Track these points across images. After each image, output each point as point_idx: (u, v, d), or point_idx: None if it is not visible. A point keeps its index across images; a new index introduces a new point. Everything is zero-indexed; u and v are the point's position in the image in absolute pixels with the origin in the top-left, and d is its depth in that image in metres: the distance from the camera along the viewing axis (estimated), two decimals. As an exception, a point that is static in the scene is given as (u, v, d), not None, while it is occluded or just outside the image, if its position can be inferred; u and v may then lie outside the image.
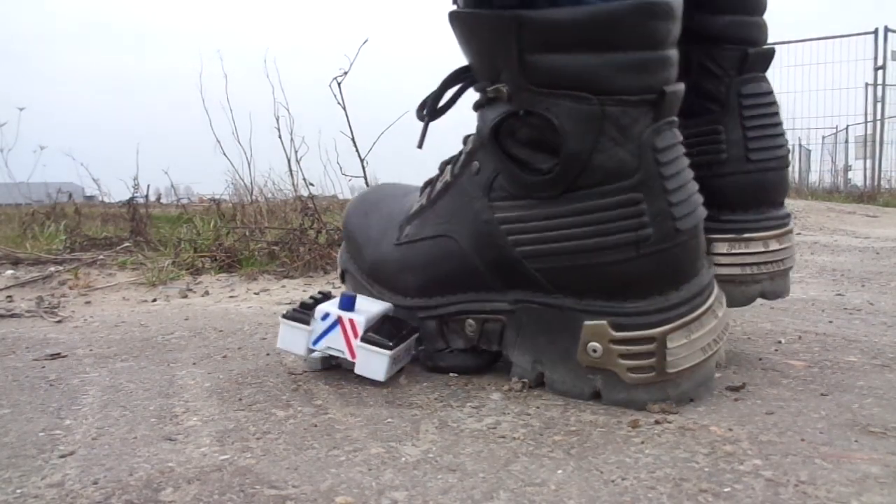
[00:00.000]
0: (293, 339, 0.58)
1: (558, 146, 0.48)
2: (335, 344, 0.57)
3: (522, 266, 0.52)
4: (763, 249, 0.63)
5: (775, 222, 0.64)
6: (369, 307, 0.59)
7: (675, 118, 0.49)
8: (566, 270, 0.50)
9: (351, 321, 0.56)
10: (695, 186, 0.51)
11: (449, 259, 0.57)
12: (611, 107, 0.46)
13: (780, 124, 0.64)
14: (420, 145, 0.59)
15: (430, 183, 0.62)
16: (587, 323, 0.50)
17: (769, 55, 0.62)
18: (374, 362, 0.55)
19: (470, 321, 0.57)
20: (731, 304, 0.59)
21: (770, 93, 0.63)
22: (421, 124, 0.58)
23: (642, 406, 0.50)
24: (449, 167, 0.59)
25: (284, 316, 0.58)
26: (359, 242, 0.67)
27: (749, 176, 0.62)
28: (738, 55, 0.60)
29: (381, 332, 0.56)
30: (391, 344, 0.55)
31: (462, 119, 0.61)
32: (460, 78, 0.57)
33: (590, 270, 0.49)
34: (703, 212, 0.51)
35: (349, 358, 0.56)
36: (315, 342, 0.57)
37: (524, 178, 0.51)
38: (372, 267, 0.64)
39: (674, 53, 0.48)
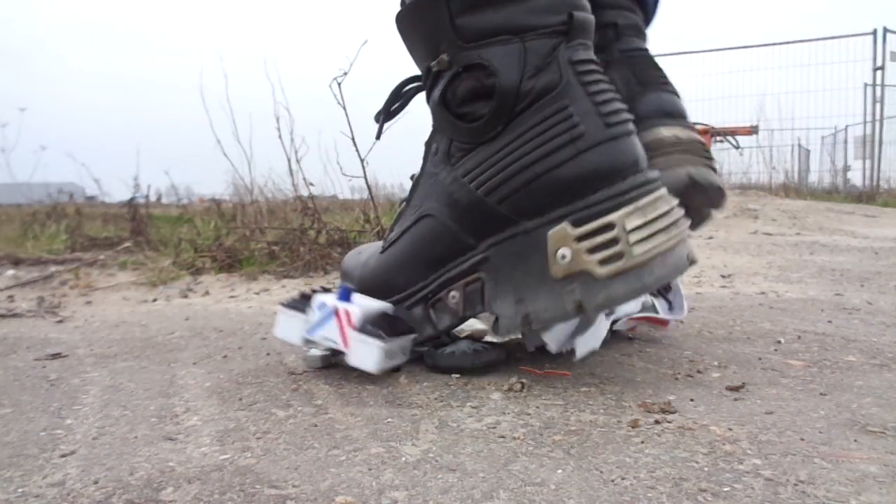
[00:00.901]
0: (289, 328, 0.59)
1: (492, 88, 0.55)
2: (330, 334, 0.57)
3: (486, 205, 0.56)
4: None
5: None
6: (368, 303, 0.59)
7: (589, 42, 0.57)
8: (522, 192, 0.54)
9: (346, 311, 0.57)
10: (617, 94, 0.56)
11: (429, 234, 0.60)
12: (531, 41, 0.54)
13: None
14: (378, 137, 0.67)
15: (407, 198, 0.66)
16: (550, 232, 0.53)
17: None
18: (366, 353, 0.56)
19: (453, 293, 0.59)
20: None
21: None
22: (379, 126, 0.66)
23: (622, 301, 0.52)
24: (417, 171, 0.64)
25: (282, 304, 0.59)
26: (349, 273, 0.68)
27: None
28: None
29: (377, 325, 0.57)
30: (385, 336, 0.55)
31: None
32: (408, 84, 0.64)
33: (541, 182, 0.54)
34: (630, 115, 0.56)
35: (343, 348, 0.57)
36: (311, 331, 0.58)
37: (472, 129, 0.57)
38: (360, 284, 0.65)
39: None
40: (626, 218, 0.51)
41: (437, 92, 0.59)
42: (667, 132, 0.70)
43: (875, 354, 0.66)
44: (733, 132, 6.35)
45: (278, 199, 2.25)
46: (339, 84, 1.53)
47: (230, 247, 1.49)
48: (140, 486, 0.38)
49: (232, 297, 1.17)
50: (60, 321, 0.94)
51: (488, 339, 0.65)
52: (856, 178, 6.66)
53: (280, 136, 1.83)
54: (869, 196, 5.36)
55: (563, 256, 0.52)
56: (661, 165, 0.66)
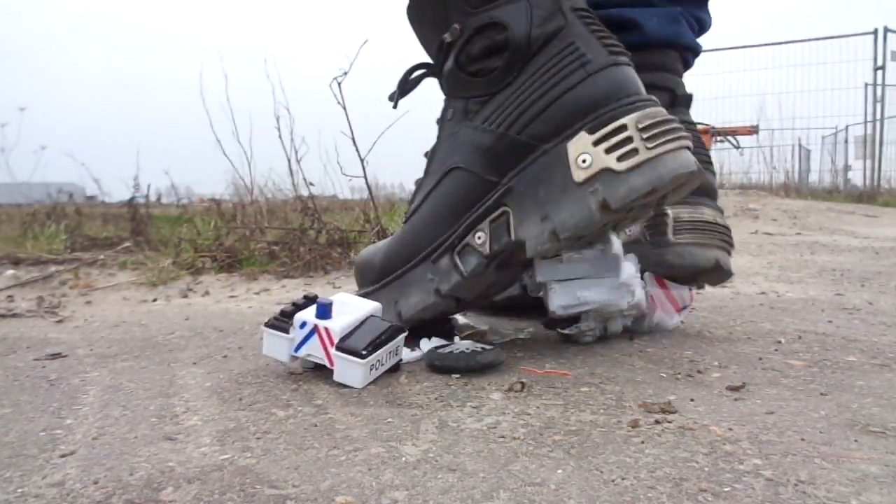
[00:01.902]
0: (275, 347, 0.59)
1: (504, 42, 0.62)
2: (314, 351, 0.58)
3: (508, 138, 0.62)
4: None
5: None
6: (348, 313, 0.59)
7: None
8: (541, 117, 0.61)
9: (326, 329, 0.57)
10: (612, 35, 0.63)
11: (455, 185, 0.65)
12: None
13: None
14: (395, 106, 0.72)
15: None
16: (570, 143, 0.59)
17: None
18: (350, 370, 0.56)
19: (478, 233, 0.62)
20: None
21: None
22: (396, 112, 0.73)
23: (644, 191, 0.56)
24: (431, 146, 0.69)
25: (266, 325, 0.59)
26: (367, 262, 0.72)
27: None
28: None
29: (358, 339, 0.56)
30: (364, 352, 0.55)
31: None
32: (416, 70, 0.70)
33: (557, 105, 0.60)
34: (627, 52, 0.62)
35: (328, 364, 0.57)
36: (296, 349, 0.58)
37: (487, 81, 0.63)
38: (384, 263, 0.69)
39: None
40: (638, 119, 0.58)
41: (450, 60, 0.65)
42: (709, 213, 0.76)
43: (876, 354, 0.66)
44: (734, 132, 6.34)
45: (278, 199, 2.25)
46: (339, 84, 1.53)
47: (230, 247, 1.49)
48: (140, 486, 0.38)
49: (232, 297, 1.17)
50: (60, 321, 0.94)
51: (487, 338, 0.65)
52: (856, 177, 6.67)
53: (280, 136, 1.83)
54: (869, 196, 5.36)
55: (584, 161, 0.58)
56: (697, 241, 0.74)
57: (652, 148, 0.57)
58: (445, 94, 0.68)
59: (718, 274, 0.75)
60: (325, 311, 0.57)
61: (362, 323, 0.59)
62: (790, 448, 0.42)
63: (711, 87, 6.38)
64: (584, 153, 0.58)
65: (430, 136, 0.69)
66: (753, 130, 6.41)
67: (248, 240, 1.56)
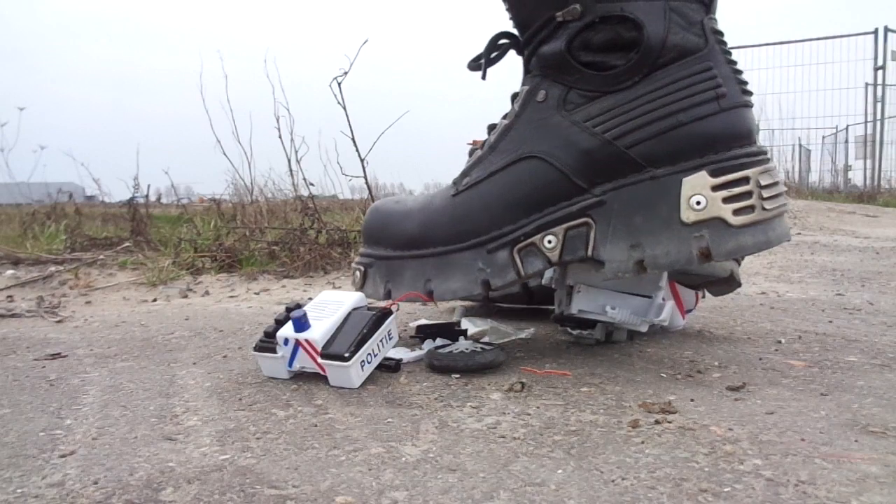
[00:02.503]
0: (272, 368, 0.59)
1: (632, 41, 0.57)
2: (306, 363, 0.58)
3: (614, 149, 0.57)
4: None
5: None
6: (329, 314, 0.59)
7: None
8: (658, 138, 0.56)
9: (307, 342, 0.57)
10: (741, 70, 0.59)
11: (531, 176, 0.60)
12: (673, 1, 0.56)
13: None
14: (483, 77, 0.65)
15: (480, 146, 0.65)
16: (686, 179, 0.55)
17: None
18: (340, 374, 0.56)
19: (549, 237, 0.59)
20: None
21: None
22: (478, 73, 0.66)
23: (749, 251, 0.55)
24: (503, 118, 0.63)
25: (255, 349, 0.59)
26: (395, 220, 0.66)
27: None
28: None
29: (341, 341, 0.56)
30: (348, 355, 0.55)
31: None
32: (501, 38, 0.64)
33: (680, 133, 0.56)
34: (752, 92, 0.59)
35: (321, 372, 0.57)
36: (290, 364, 0.58)
37: (602, 77, 0.58)
38: (420, 231, 0.64)
39: None
40: (760, 175, 0.55)
41: (559, 42, 0.58)
42: None
43: (876, 355, 0.66)
44: (734, 132, 6.33)
45: (278, 199, 2.24)
46: (339, 84, 1.53)
47: (230, 247, 1.49)
48: (140, 486, 0.38)
49: (232, 297, 1.17)
50: (60, 321, 0.94)
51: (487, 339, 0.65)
52: (857, 177, 6.66)
53: (280, 136, 1.83)
54: (870, 196, 5.36)
55: (699, 203, 0.55)
56: None
57: (770, 209, 0.55)
58: (537, 73, 0.61)
59: (730, 284, 0.74)
60: (301, 324, 0.57)
61: (345, 320, 0.59)
62: (790, 448, 0.42)
63: (711, 87, 6.37)
64: (701, 195, 0.55)
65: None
66: (753, 130, 6.40)
67: (248, 240, 1.56)
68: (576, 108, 0.58)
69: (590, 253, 0.58)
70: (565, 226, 0.58)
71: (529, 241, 0.59)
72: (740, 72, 0.58)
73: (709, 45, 0.57)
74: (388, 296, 0.64)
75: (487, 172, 0.61)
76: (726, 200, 0.54)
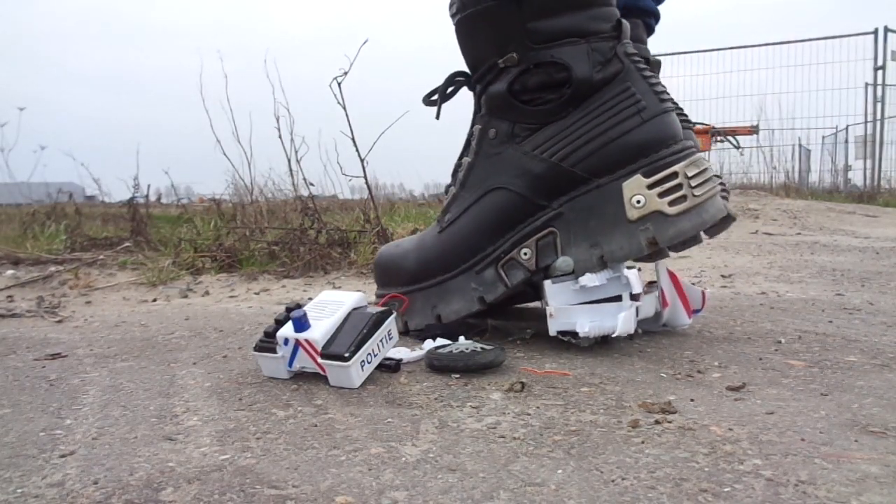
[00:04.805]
0: (272, 368, 0.60)
1: (563, 80, 0.66)
2: (306, 363, 0.58)
3: (561, 170, 0.66)
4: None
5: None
6: (329, 314, 0.59)
7: (630, 41, 0.68)
8: (596, 154, 0.65)
9: (307, 341, 0.57)
10: (659, 80, 0.68)
11: (498, 204, 0.69)
12: (595, 42, 0.66)
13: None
14: (437, 117, 0.77)
15: (449, 186, 0.75)
16: (625, 183, 0.64)
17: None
18: (340, 374, 0.56)
19: (524, 249, 0.68)
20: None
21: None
22: (431, 109, 0.77)
23: (690, 234, 0.63)
24: (465, 159, 0.72)
25: (255, 349, 0.60)
26: (396, 263, 0.77)
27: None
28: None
29: (341, 341, 0.56)
30: (348, 355, 0.55)
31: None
32: (457, 77, 0.75)
33: (612, 147, 0.65)
34: (671, 97, 0.68)
35: (322, 373, 0.57)
36: (290, 364, 0.58)
37: (540, 111, 0.67)
38: (418, 268, 0.74)
39: (614, 6, 0.69)
40: (686, 168, 0.64)
41: (502, 84, 0.69)
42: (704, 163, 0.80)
43: (876, 355, 0.66)
44: (734, 132, 6.33)
45: (278, 199, 2.24)
46: (339, 84, 1.53)
47: (230, 247, 1.49)
48: (140, 486, 0.38)
49: (232, 297, 1.17)
50: (60, 321, 0.94)
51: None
52: (857, 177, 6.65)
53: (280, 136, 1.83)
54: (870, 196, 5.35)
55: (639, 202, 0.64)
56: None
57: (699, 195, 0.64)
58: (485, 112, 0.71)
59: (726, 221, 0.76)
60: (301, 325, 0.57)
61: (345, 320, 0.59)
62: (790, 448, 0.42)
63: (711, 87, 6.37)
64: (639, 195, 0.64)
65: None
66: (753, 130, 6.39)
67: (248, 240, 1.56)
68: (523, 139, 0.68)
69: (559, 255, 0.67)
70: (535, 238, 0.68)
71: (508, 256, 0.69)
72: (657, 83, 0.67)
73: (625, 68, 0.66)
74: (405, 327, 0.74)
75: (463, 208, 0.72)
76: (661, 195, 0.64)
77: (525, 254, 0.68)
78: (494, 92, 0.69)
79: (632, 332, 0.65)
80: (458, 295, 0.71)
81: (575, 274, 0.66)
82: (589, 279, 0.65)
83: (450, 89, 0.75)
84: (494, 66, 0.69)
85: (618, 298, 0.65)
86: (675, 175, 0.64)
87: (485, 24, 0.69)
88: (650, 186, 0.64)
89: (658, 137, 0.65)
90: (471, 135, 0.72)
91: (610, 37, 0.67)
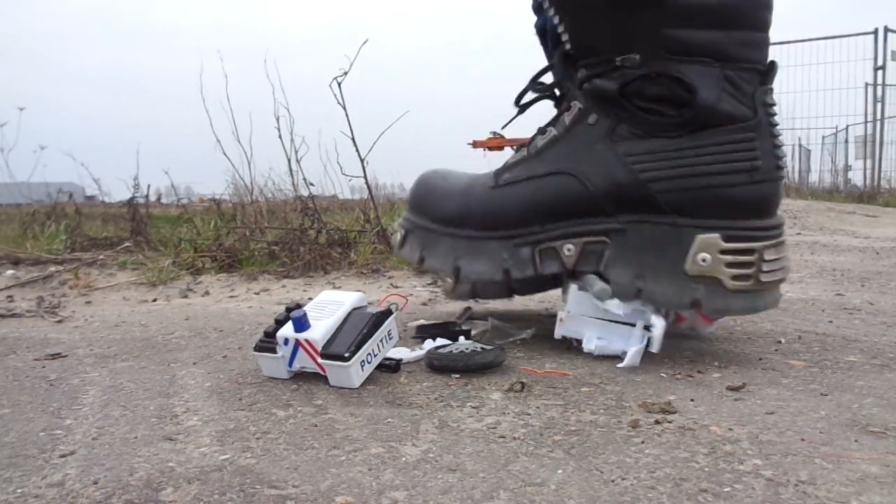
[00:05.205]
0: (272, 368, 0.59)
1: (684, 101, 0.60)
2: (306, 363, 0.58)
3: (645, 189, 0.61)
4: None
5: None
6: (329, 314, 0.59)
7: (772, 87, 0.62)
8: (687, 192, 0.60)
9: (307, 341, 0.57)
10: (782, 142, 0.63)
11: (564, 190, 0.64)
12: (729, 71, 0.59)
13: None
14: (522, 112, 0.72)
15: (525, 144, 0.70)
16: (701, 236, 0.60)
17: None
18: (340, 375, 0.56)
19: (569, 245, 0.64)
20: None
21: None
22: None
23: (733, 313, 0.62)
24: (553, 127, 0.67)
25: (255, 349, 0.59)
26: (438, 196, 0.72)
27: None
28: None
29: (340, 341, 0.56)
30: (348, 355, 0.55)
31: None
32: (536, 85, 0.70)
33: (708, 192, 0.60)
34: (785, 166, 0.63)
35: (322, 373, 0.57)
36: (290, 364, 0.58)
37: (655, 122, 0.61)
38: (458, 212, 0.69)
39: (769, 36, 0.62)
40: (766, 250, 0.60)
41: (613, 83, 0.62)
42: None
43: (876, 355, 0.66)
44: (733, 132, 6.32)
45: (278, 199, 2.24)
46: (339, 84, 1.53)
47: (230, 247, 1.49)
48: (140, 486, 0.38)
49: (232, 297, 1.17)
50: (60, 321, 0.94)
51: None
52: (857, 177, 6.65)
53: (280, 136, 1.83)
54: (870, 196, 5.36)
55: (704, 260, 0.60)
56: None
57: (765, 281, 0.60)
58: (589, 102, 0.64)
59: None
60: (301, 324, 0.57)
61: (345, 320, 0.59)
62: (790, 448, 0.42)
63: (711, 87, 6.36)
64: (707, 253, 0.60)
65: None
66: (753, 130, 6.39)
67: (248, 240, 1.56)
68: (622, 140, 0.62)
69: (601, 269, 0.63)
70: (585, 239, 0.64)
71: (551, 244, 0.65)
72: (780, 145, 0.61)
73: (757, 116, 0.60)
74: (421, 261, 0.71)
75: (526, 175, 0.67)
76: (729, 265, 0.60)
77: (569, 250, 0.64)
78: (603, 86, 0.62)
79: (636, 365, 0.62)
80: (487, 257, 0.67)
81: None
82: (615, 305, 0.62)
83: (530, 98, 0.70)
84: (610, 60, 0.62)
85: (632, 324, 0.63)
86: (752, 251, 0.59)
87: (615, 16, 0.61)
88: (723, 252, 0.59)
89: (758, 204, 0.60)
90: (566, 108, 0.66)
91: (751, 70, 0.60)
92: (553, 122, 0.68)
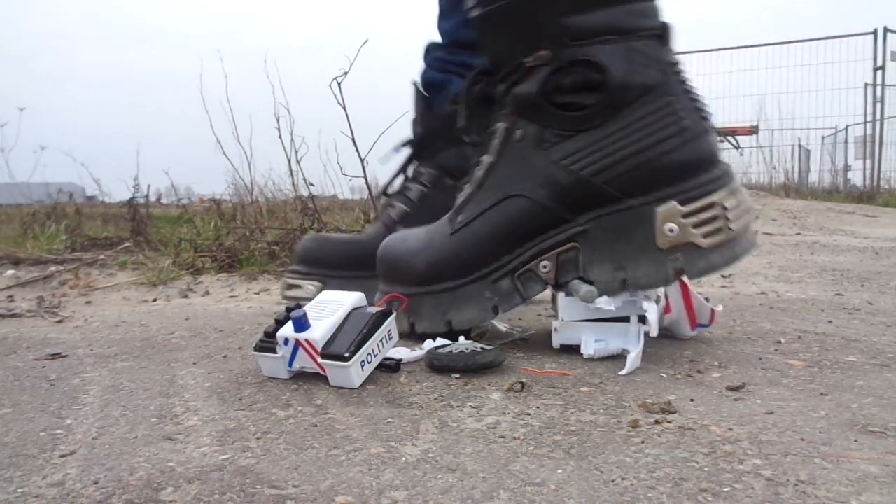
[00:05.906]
0: (272, 368, 0.60)
1: (599, 82, 0.61)
2: (306, 363, 0.58)
3: (592, 185, 0.62)
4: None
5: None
6: (329, 314, 0.59)
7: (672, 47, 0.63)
8: (631, 173, 0.61)
9: (307, 341, 0.57)
10: (699, 94, 0.64)
11: (518, 213, 0.65)
12: (634, 42, 0.61)
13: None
14: (462, 122, 0.72)
15: (464, 182, 0.70)
16: (659, 209, 0.61)
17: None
18: (340, 374, 0.56)
19: (543, 263, 0.65)
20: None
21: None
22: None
23: (719, 269, 0.61)
24: (484, 157, 0.68)
25: (255, 349, 0.59)
26: (402, 262, 0.71)
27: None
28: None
29: (341, 341, 0.56)
30: (348, 355, 0.55)
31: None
32: (477, 79, 0.70)
33: (649, 167, 0.61)
34: (710, 114, 0.64)
35: (321, 372, 0.57)
36: (290, 364, 0.58)
37: (574, 117, 0.62)
38: (428, 270, 0.68)
39: (659, 2, 0.64)
40: (725, 198, 0.61)
41: (531, 85, 0.63)
42: None
43: (876, 354, 0.66)
44: (733, 132, 6.33)
45: (278, 199, 2.25)
46: (339, 84, 1.53)
47: (230, 247, 1.49)
48: (140, 486, 0.38)
49: (232, 296, 1.17)
50: (60, 321, 0.94)
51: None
52: (856, 177, 6.66)
53: (280, 136, 1.83)
54: (869, 196, 5.36)
55: (671, 230, 0.60)
56: None
57: (735, 229, 0.61)
58: (512, 113, 0.65)
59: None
60: (301, 325, 0.57)
61: (345, 320, 0.59)
62: (790, 448, 0.42)
63: (711, 87, 6.37)
64: (673, 223, 0.60)
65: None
66: (753, 130, 6.40)
67: (248, 240, 1.56)
68: (552, 146, 0.63)
69: (581, 273, 0.63)
70: (556, 251, 0.64)
71: (526, 268, 0.65)
72: (697, 98, 0.63)
73: (667, 80, 0.62)
74: (412, 328, 0.69)
75: (478, 211, 0.67)
76: (696, 226, 0.60)
77: (545, 267, 0.65)
78: (523, 93, 0.64)
79: (638, 366, 0.61)
80: (472, 303, 0.67)
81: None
82: (605, 302, 0.62)
83: (474, 89, 0.70)
84: (521, 65, 0.63)
85: (626, 318, 0.63)
86: (712, 205, 0.60)
87: (514, 19, 0.63)
88: (686, 215, 0.60)
89: (699, 160, 0.61)
90: (493, 131, 0.67)
91: (651, 36, 0.62)
92: (482, 152, 0.69)
